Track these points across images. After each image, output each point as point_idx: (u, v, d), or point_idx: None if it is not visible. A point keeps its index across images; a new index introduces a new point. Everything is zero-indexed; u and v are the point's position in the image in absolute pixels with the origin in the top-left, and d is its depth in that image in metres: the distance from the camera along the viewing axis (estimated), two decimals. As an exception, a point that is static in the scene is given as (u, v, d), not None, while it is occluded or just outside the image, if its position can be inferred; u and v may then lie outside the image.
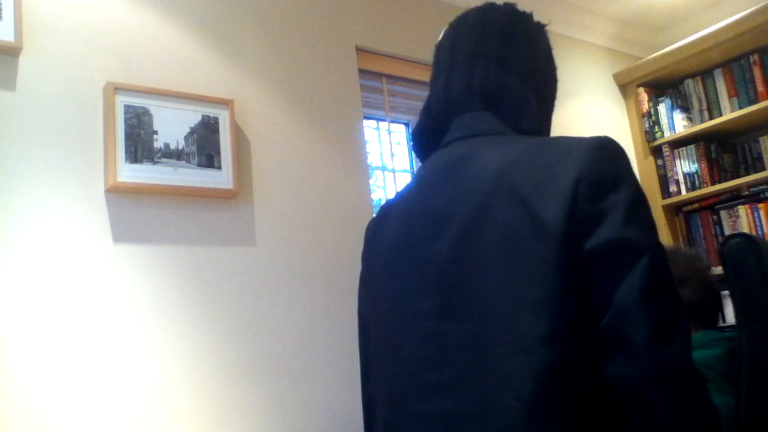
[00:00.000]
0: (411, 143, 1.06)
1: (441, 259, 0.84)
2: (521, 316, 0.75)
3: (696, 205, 3.01)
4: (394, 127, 2.52)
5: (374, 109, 2.41)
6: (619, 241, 0.74)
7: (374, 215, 1.06)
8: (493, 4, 1.01)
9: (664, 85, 3.19)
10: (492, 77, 0.94)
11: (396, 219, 0.95)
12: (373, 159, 2.39)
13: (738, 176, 2.94)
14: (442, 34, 1.04)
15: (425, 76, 1.23)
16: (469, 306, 0.79)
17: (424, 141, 1.01)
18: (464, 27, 0.99)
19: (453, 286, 0.82)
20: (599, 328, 0.74)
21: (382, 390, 0.89)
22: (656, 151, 3.12)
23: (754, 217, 2.80)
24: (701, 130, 2.96)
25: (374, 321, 0.95)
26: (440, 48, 1.02)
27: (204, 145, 1.87)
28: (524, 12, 1.01)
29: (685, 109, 3.08)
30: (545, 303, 0.74)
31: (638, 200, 0.78)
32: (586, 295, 0.75)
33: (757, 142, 2.94)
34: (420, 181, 0.94)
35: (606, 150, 0.79)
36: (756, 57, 2.84)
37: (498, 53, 0.95)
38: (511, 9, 1.00)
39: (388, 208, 1.00)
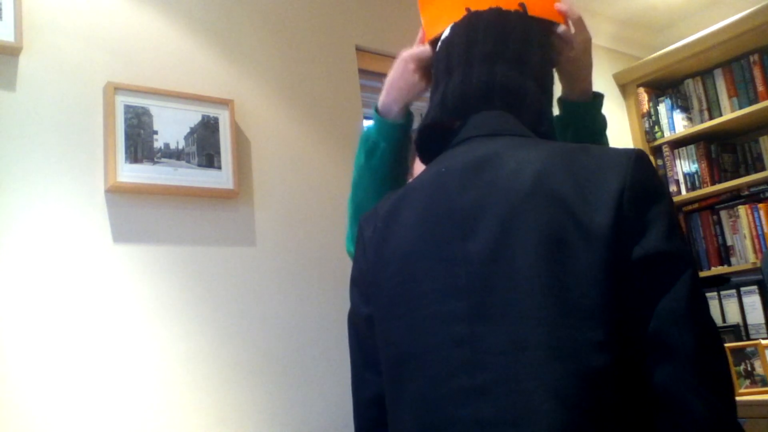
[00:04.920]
0: (418, 137, 1.00)
1: (473, 260, 0.81)
2: (568, 320, 0.74)
3: (696, 205, 3.01)
4: (394, 127, 2.52)
5: (374, 109, 2.41)
6: (666, 253, 0.75)
7: (373, 210, 0.99)
8: (503, 8, 0.98)
9: (664, 85, 3.19)
10: (514, 78, 0.92)
11: (411, 216, 0.90)
12: (373, 159, 2.39)
13: (738, 176, 2.94)
14: (448, 30, 1.00)
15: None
16: (504, 308, 0.77)
17: (437, 135, 0.98)
18: (479, 26, 0.96)
19: (486, 288, 0.79)
20: (643, 335, 0.75)
21: (408, 395, 0.85)
22: (656, 151, 3.12)
23: (754, 217, 2.80)
24: (701, 130, 2.96)
25: (389, 324, 0.89)
26: (451, 43, 0.98)
27: (204, 145, 1.87)
28: (534, 16, 0.99)
29: (685, 109, 3.08)
30: (596, 309, 0.74)
31: (675, 213, 0.79)
32: (630, 303, 0.75)
33: (757, 142, 2.94)
34: (439, 177, 0.90)
35: (646, 162, 0.80)
36: (756, 57, 2.84)
37: (516, 55, 0.94)
38: (522, 13, 0.98)
39: (395, 204, 0.94)
